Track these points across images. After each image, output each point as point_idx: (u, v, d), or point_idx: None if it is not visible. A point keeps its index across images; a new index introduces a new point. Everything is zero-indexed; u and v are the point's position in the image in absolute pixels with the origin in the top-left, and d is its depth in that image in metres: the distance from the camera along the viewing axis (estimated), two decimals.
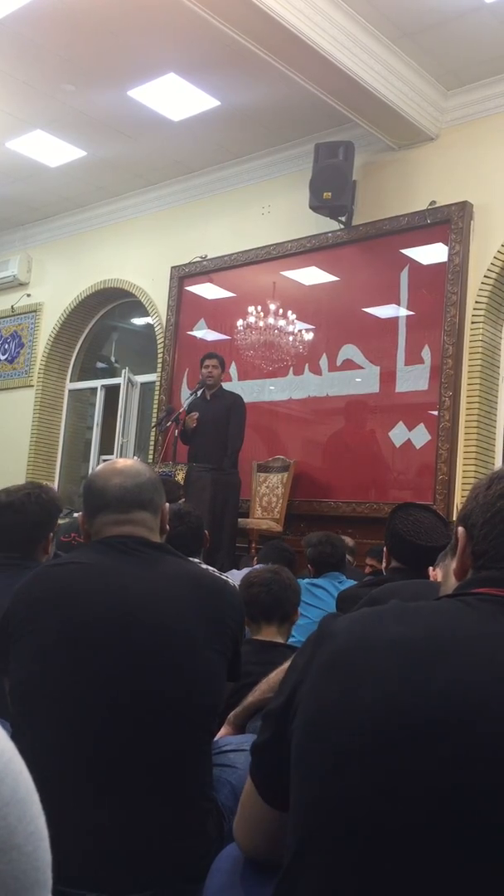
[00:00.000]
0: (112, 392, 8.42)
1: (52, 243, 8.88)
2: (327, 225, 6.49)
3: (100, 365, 9.18)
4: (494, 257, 5.73)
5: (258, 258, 6.96)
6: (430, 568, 2.18)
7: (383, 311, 6.29)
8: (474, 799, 0.79)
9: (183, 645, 1.57)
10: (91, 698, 1.50)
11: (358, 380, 6.33)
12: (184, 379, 7.39)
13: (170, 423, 6.13)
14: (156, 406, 7.55)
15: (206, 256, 7.35)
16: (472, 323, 5.78)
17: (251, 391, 6.81)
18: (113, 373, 8.83)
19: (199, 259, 7.39)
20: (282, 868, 0.93)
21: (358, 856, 0.84)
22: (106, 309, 8.79)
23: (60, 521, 4.09)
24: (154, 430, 7.09)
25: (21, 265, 8.94)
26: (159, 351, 7.66)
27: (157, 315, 7.74)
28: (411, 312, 6.11)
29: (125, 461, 1.84)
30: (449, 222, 5.88)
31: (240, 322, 6.58)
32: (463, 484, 5.60)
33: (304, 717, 0.93)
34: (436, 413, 5.82)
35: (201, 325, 7.39)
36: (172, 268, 7.55)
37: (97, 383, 8.81)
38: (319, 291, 6.68)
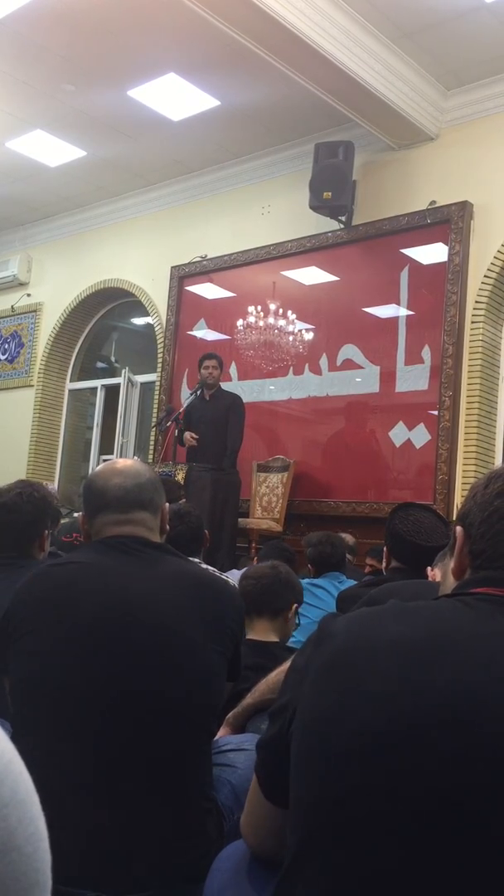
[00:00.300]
0: (112, 392, 8.42)
1: (53, 243, 8.88)
2: (327, 225, 6.49)
3: (100, 365, 9.18)
4: (494, 257, 5.73)
5: (258, 258, 6.96)
6: (429, 568, 2.18)
7: (383, 311, 6.29)
8: (474, 798, 0.79)
9: (183, 645, 1.57)
10: (91, 698, 1.50)
11: (358, 380, 6.33)
12: (184, 379, 7.39)
13: (170, 423, 6.13)
14: (156, 406, 7.55)
15: (206, 256, 7.35)
16: (472, 323, 5.78)
17: (251, 391, 6.81)
18: (113, 373, 8.83)
19: (199, 259, 7.39)
20: (282, 868, 0.93)
21: (358, 856, 0.84)
22: (106, 309, 8.79)
23: (62, 521, 4.10)
24: (154, 429, 7.09)
25: (21, 265, 8.94)
26: (159, 351, 7.66)
27: (157, 315, 7.74)
28: (411, 312, 6.11)
29: (125, 461, 1.84)
30: (449, 222, 5.88)
31: (240, 322, 6.58)
32: (463, 484, 5.60)
33: (303, 717, 0.94)
34: (436, 413, 5.82)
35: (201, 325, 7.39)
36: (172, 268, 7.55)
37: (97, 383, 8.81)
38: (319, 291, 6.68)
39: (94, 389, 8.84)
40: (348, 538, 5.21)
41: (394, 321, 6.20)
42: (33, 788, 0.45)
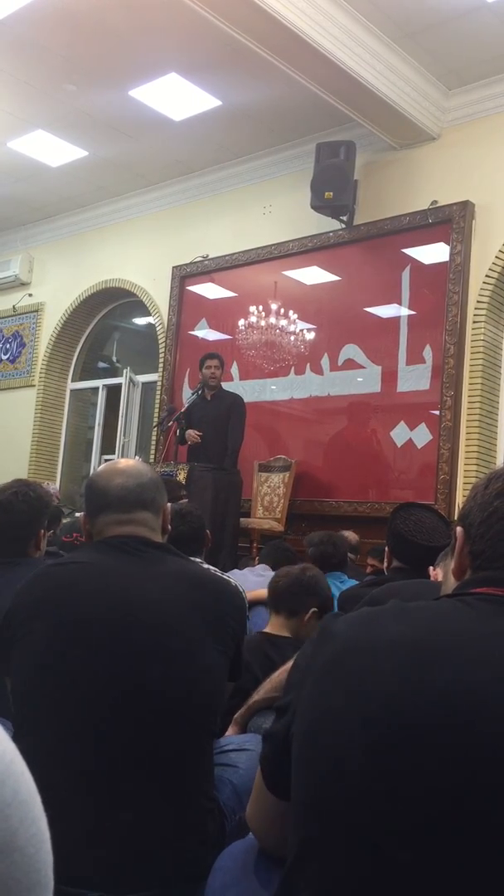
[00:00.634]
0: (114, 392, 8.43)
1: (54, 243, 8.88)
2: (329, 224, 6.49)
3: (101, 365, 9.18)
4: (496, 257, 5.73)
5: (259, 258, 6.96)
6: (431, 568, 2.18)
7: (385, 311, 6.28)
8: (475, 799, 0.79)
9: (184, 644, 1.57)
10: (92, 698, 1.50)
11: (359, 379, 6.33)
12: (185, 379, 7.39)
13: (171, 422, 6.13)
14: (157, 406, 7.55)
15: (207, 256, 7.35)
16: (474, 322, 5.78)
17: (252, 391, 6.81)
18: (114, 372, 8.83)
19: (200, 259, 7.39)
20: (284, 867, 0.93)
21: (358, 856, 0.84)
22: (107, 309, 8.79)
23: (63, 521, 4.10)
24: (155, 429, 7.09)
25: (22, 265, 8.94)
26: (161, 351, 7.66)
27: (158, 315, 7.74)
28: (413, 312, 6.11)
29: (127, 461, 1.84)
30: (450, 222, 5.88)
31: (241, 322, 6.58)
32: (464, 484, 5.60)
33: (304, 717, 0.94)
34: (437, 413, 5.81)
35: (203, 325, 7.39)
36: (174, 267, 7.55)
37: (99, 383, 8.81)
38: (321, 291, 6.68)
39: (95, 389, 8.85)
40: (351, 536, 5.21)
41: (395, 321, 6.20)
42: (35, 789, 0.45)
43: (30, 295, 9.02)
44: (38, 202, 8.35)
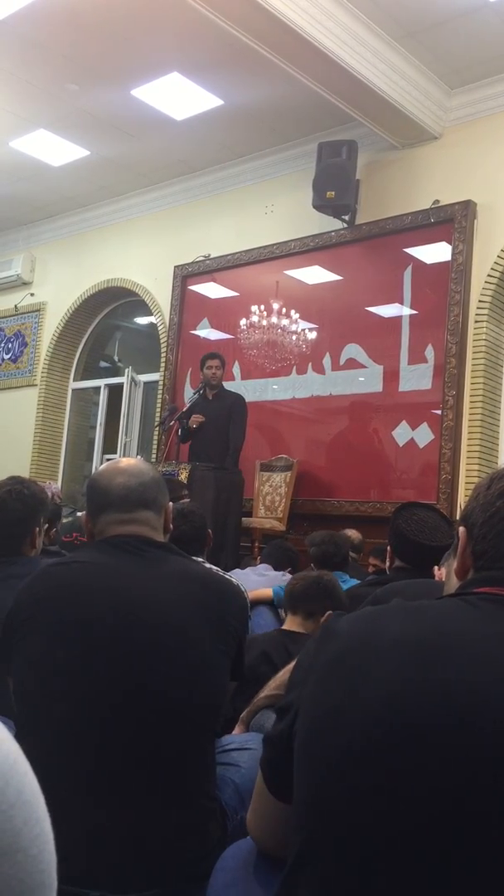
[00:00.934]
0: (115, 391, 8.43)
1: (56, 242, 8.88)
2: (330, 224, 6.48)
3: (103, 364, 9.19)
4: (498, 256, 5.72)
5: (261, 257, 6.96)
6: (436, 567, 2.18)
7: (386, 311, 6.28)
8: (476, 799, 0.79)
9: (186, 644, 1.56)
10: (93, 698, 1.50)
11: (361, 379, 6.33)
12: (187, 378, 7.39)
13: (173, 422, 6.14)
14: (159, 405, 7.55)
15: (209, 256, 7.35)
16: (476, 322, 5.77)
17: (254, 390, 6.81)
18: (116, 372, 8.83)
19: (202, 258, 7.39)
20: (286, 867, 0.93)
21: (359, 856, 0.84)
22: (109, 308, 8.79)
23: (64, 520, 4.09)
24: (157, 429, 7.09)
25: (24, 264, 8.94)
26: (162, 350, 7.66)
27: (160, 314, 7.74)
28: (415, 311, 6.11)
29: (128, 460, 1.84)
30: (452, 221, 5.87)
31: (243, 321, 6.58)
32: (466, 483, 5.60)
33: (306, 716, 0.94)
34: (439, 412, 5.81)
35: (204, 325, 7.39)
36: (176, 267, 7.55)
37: (100, 382, 8.82)
38: (322, 290, 6.67)
39: (97, 389, 8.85)
40: (353, 535, 5.21)
41: (397, 320, 6.20)
42: (39, 789, 0.45)
43: (32, 294, 9.03)
44: (40, 202, 8.35)
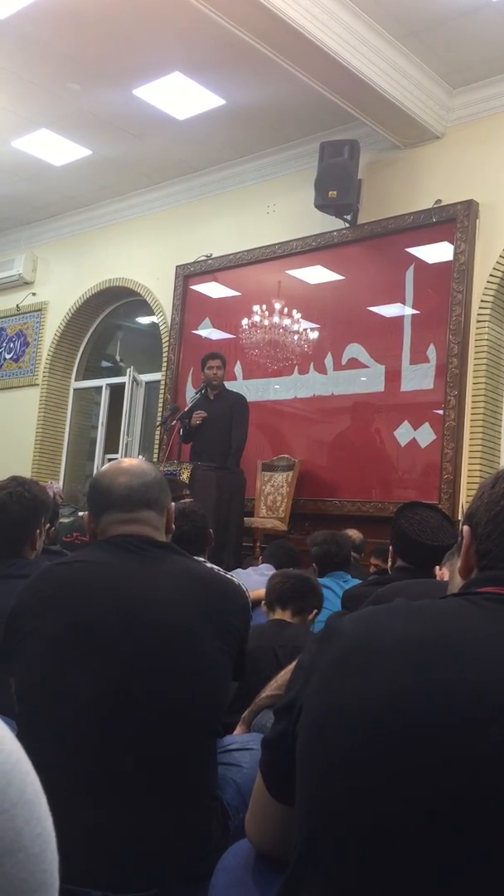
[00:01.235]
0: (117, 391, 8.43)
1: (58, 242, 8.89)
2: (332, 224, 6.48)
3: (105, 364, 9.19)
4: (500, 256, 5.72)
5: (263, 257, 6.96)
6: (437, 567, 2.18)
7: (388, 310, 6.28)
8: (477, 799, 0.79)
9: (187, 644, 1.56)
10: (94, 697, 1.50)
11: (363, 379, 6.33)
12: (189, 378, 7.39)
13: (175, 421, 6.14)
14: (161, 405, 7.56)
15: (211, 255, 7.35)
16: (478, 322, 5.77)
17: (256, 390, 6.81)
18: (118, 372, 8.84)
19: (203, 258, 7.40)
20: (288, 868, 0.93)
21: (360, 856, 0.84)
22: (111, 308, 8.79)
23: (65, 520, 4.10)
24: (159, 429, 7.10)
25: (26, 264, 8.95)
26: (164, 350, 7.66)
27: (161, 314, 7.75)
28: (417, 311, 6.10)
29: (131, 461, 1.84)
30: (454, 221, 5.87)
31: (245, 321, 6.58)
32: (468, 483, 5.60)
33: (308, 716, 0.93)
34: (441, 412, 5.81)
35: (206, 324, 7.40)
36: (177, 267, 7.55)
37: (102, 382, 8.82)
38: (324, 290, 6.67)
39: (98, 388, 8.85)
40: (355, 535, 5.21)
41: (399, 320, 6.19)
42: (41, 789, 0.45)
43: (33, 294, 9.03)
44: (42, 201, 8.36)
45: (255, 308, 6.52)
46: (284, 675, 1.74)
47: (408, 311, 6.15)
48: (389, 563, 2.56)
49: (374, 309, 6.34)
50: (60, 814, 0.50)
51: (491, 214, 5.80)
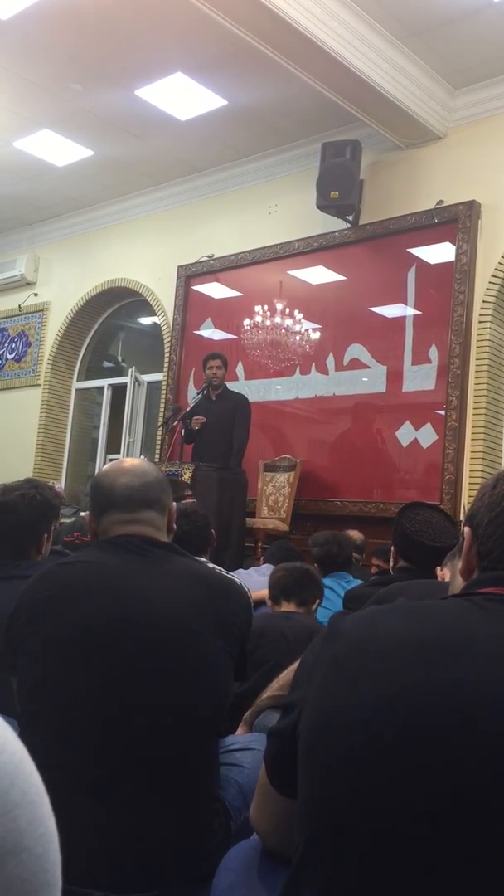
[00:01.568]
0: (119, 391, 8.43)
1: (60, 243, 8.89)
2: (334, 224, 6.48)
3: (106, 364, 9.19)
4: (502, 256, 5.72)
5: (265, 257, 6.96)
6: (438, 568, 2.18)
7: (390, 311, 6.28)
8: (478, 799, 0.79)
9: (189, 644, 1.56)
10: (96, 697, 1.50)
11: (365, 379, 6.32)
12: (190, 378, 7.39)
13: (176, 422, 6.14)
14: (163, 405, 7.56)
15: (212, 256, 7.35)
16: (480, 322, 5.77)
17: (258, 390, 6.81)
18: (120, 372, 8.84)
19: (205, 258, 7.40)
20: (291, 867, 0.93)
21: (359, 856, 0.84)
22: (113, 308, 8.79)
23: (66, 520, 4.10)
24: (160, 429, 7.10)
25: (28, 264, 8.95)
26: (166, 350, 7.66)
27: (163, 314, 7.75)
28: (418, 312, 6.10)
29: (132, 461, 1.84)
30: (456, 221, 5.87)
31: (246, 321, 6.58)
32: (470, 484, 5.59)
33: (310, 715, 0.93)
34: (443, 413, 5.81)
35: (208, 325, 7.40)
36: (179, 267, 7.55)
37: (104, 382, 8.82)
38: (326, 291, 6.67)
39: (100, 389, 8.86)
40: (356, 536, 5.21)
41: (401, 321, 6.19)
42: (44, 789, 0.45)
43: (35, 294, 9.04)
44: (44, 202, 8.36)
45: (257, 308, 6.52)
46: (286, 675, 1.74)
47: (409, 311, 6.15)
48: (391, 564, 2.57)
49: (375, 309, 6.34)
50: (61, 814, 0.50)
51: (493, 215, 5.80)
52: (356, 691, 0.89)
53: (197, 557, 2.11)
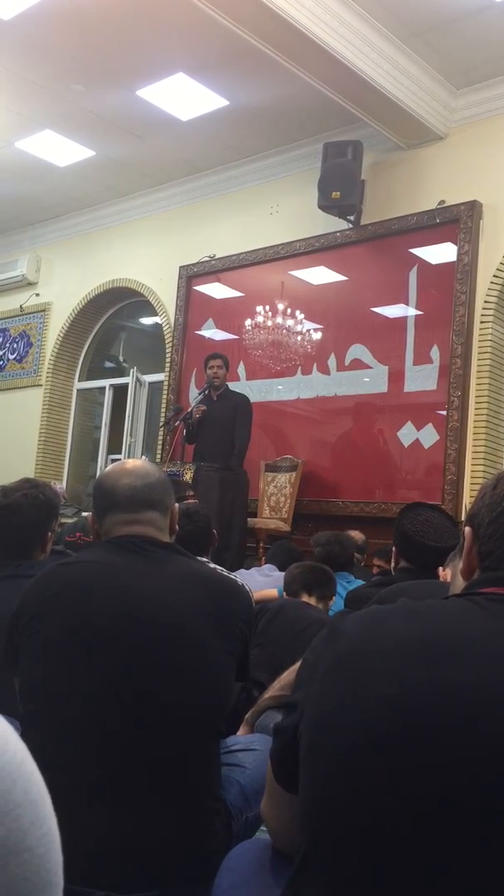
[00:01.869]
0: (120, 391, 8.43)
1: (61, 243, 8.89)
2: (336, 224, 6.48)
3: (108, 364, 9.20)
4: None
5: (266, 258, 6.96)
6: (440, 568, 2.18)
7: (392, 311, 6.28)
8: (478, 799, 0.79)
9: (190, 644, 1.56)
10: (97, 697, 1.50)
11: (366, 379, 6.32)
12: (192, 378, 7.39)
13: (178, 422, 6.14)
14: (164, 405, 7.56)
15: (214, 256, 7.35)
16: (481, 322, 5.77)
17: (259, 391, 6.81)
18: (121, 372, 8.84)
19: (207, 259, 7.40)
20: (293, 867, 0.93)
21: (360, 856, 0.84)
22: (114, 308, 8.80)
23: (68, 520, 4.10)
24: (162, 429, 7.10)
25: (30, 265, 8.95)
26: (167, 350, 7.66)
27: (165, 314, 7.75)
28: (420, 312, 6.10)
29: (134, 461, 1.84)
30: (458, 222, 5.87)
31: (248, 322, 6.58)
32: (471, 484, 5.59)
33: (311, 715, 0.94)
34: (444, 413, 5.80)
35: (209, 325, 7.40)
36: (181, 267, 7.56)
37: (105, 383, 8.82)
38: (328, 291, 6.67)
39: (102, 389, 8.86)
40: (357, 536, 5.21)
41: (402, 321, 6.19)
42: (45, 789, 0.45)
43: (37, 294, 9.04)
44: (46, 202, 8.37)
45: (259, 309, 6.52)
46: (288, 675, 1.74)
47: (411, 311, 6.15)
48: (392, 564, 2.57)
49: (377, 310, 6.33)
50: (63, 814, 0.50)
51: (494, 215, 5.80)
52: (356, 691, 0.89)
53: (199, 558, 2.11)
